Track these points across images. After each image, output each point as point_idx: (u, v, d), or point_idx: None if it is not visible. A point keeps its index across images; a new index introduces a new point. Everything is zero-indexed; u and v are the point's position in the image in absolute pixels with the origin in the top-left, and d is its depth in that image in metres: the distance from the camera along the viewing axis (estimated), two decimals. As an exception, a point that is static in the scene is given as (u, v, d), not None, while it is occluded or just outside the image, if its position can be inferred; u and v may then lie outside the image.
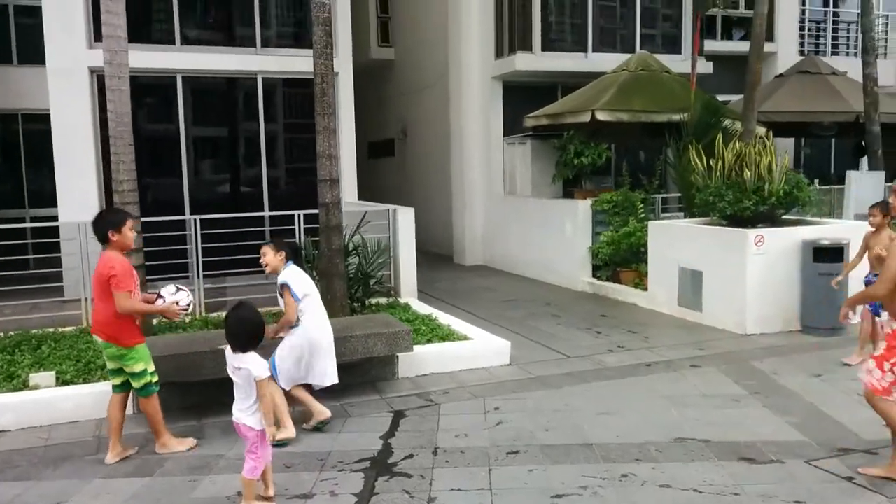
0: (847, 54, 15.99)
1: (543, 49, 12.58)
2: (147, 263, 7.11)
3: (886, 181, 10.31)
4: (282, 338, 5.31)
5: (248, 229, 9.18)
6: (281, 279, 5.21)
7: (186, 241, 8.89)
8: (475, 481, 4.42)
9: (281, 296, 5.23)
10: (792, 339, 7.56)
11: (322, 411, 5.36)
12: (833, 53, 15.69)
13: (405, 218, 9.35)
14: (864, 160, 14.31)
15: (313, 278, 8.03)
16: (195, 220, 8.56)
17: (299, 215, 8.75)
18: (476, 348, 6.92)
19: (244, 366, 4.00)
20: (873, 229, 6.72)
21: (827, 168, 15.70)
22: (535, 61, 12.46)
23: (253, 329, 4.07)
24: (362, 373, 6.36)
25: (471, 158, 13.32)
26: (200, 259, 8.51)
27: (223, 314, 8.18)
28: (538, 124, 11.45)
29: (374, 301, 8.58)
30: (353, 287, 8.02)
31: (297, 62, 10.56)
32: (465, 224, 13.50)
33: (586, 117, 10.22)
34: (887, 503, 3.96)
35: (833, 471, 4.41)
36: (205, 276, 8.64)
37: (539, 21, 12.50)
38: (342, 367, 5.61)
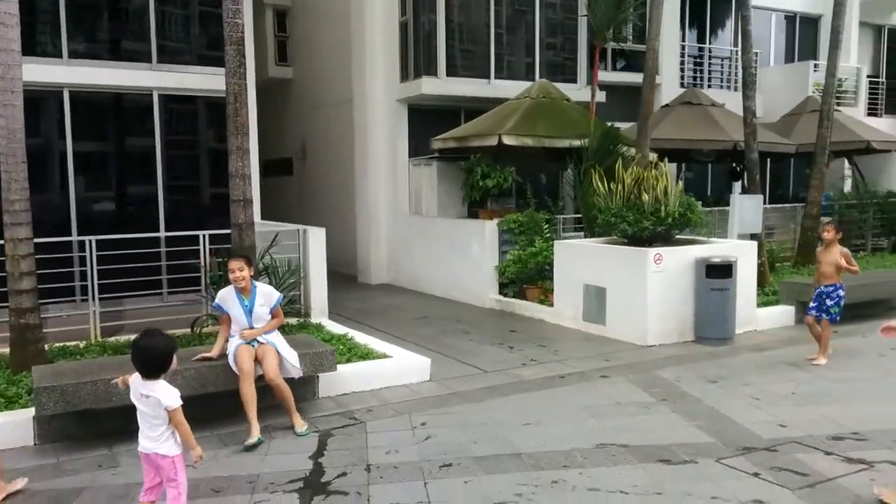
0: (720, 87, 17.34)
1: (448, 74, 12.90)
2: (39, 287, 6.73)
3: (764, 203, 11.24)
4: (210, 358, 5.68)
5: (143, 251, 8.85)
6: (274, 292, 5.98)
7: (75, 262, 8.49)
8: (413, 495, 4.47)
9: (268, 307, 5.87)
10: (688, 349, 8.09)
11: (255, 432, 5.37)
12: (709, 86, 16.96)
13: (316, 238, 9.29)
14: (737, 184, 15.57)
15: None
16: (90, 240, 8.15)
17: (204, 236, 8.51)
18: (396, 366, 6.97)
19: (153, 394, 3.79)
20: (823, 245, 7.63)
21: (705, 191, 16.91)
22: (441, 86, 12.75)
23: (163, 356, 3.86)
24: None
25: (376, 179, 13.41)
26: (96, 281, 8.11)
27: (120, 338, 7.86)
28: (445, 147, 11.71)
29: (285, 322, 8.44)
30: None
31: (196, 79, 10.30)
32: (371, 243, 13.54)
33: (493, 141, 10.57)
34: (792, 496, 4.34)
35: (740, 468, 4.78)
36: (100, 299, 8.23)
37: (444, 47, 12.82)
38: (261, 390, 5.61)
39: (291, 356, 5.86)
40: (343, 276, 13.72)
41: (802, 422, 5.61)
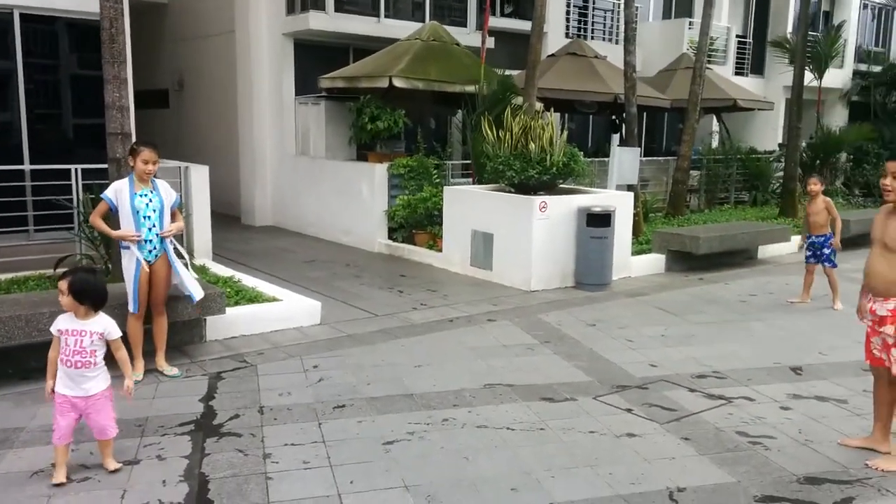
0: (603, 39, 17.85)
1: (336, 10, 12.54)
2: None
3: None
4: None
5: (6, 184, 8.18)
6: (171, 189, 5.56)
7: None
8: (307, 435, 4.53)
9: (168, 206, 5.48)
10: (569, 294, 8.52)
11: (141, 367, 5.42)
12: (592, 37, 17.41)
13: (199, 176, 8.92)
14: (616, 136, 16.24)
15: (97, 240, 7.48)
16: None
17: (76, 170, 7.98)
18: (286, 309, 6.92)
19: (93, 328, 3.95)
20: (809, 198, 8.09)
21: (586, 142, 17.53)
22: (329, 21, 12.37)
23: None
24: (167, 336, 6.08)
25: (261, 116, 12.95)
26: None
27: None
28: (333, 86, 11.44)
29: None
30: (144, 249, 7.56)
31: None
32: (255, 183, 13.15)
33: (384, 83, 10.43)
34: (661, 428, 4.75)
35: (615, 404, 5.16)
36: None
37: (333, -21, 12.41)
38: (144, 332, 5.51)
39: (189, 278, 5.57)
40: (225, 217, 13.27)
41: (670, 362, 6.10)
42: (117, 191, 5.33)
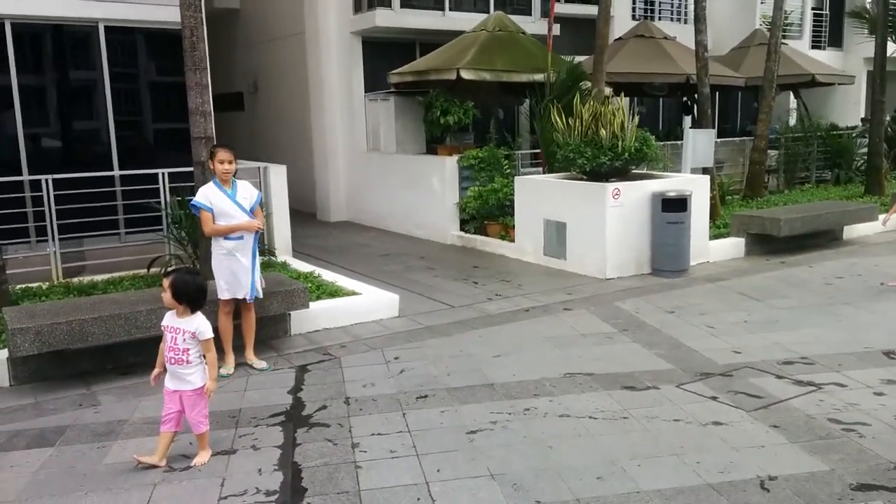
0: (671, 19, 17.42)
1: (402, 5, 12.67)
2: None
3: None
4: None
5: (98, 189, 8.62)
6: (254, 188, 5.79)
7: (27, 202, 8.29)
8: (393, 425, 4.65)
9: (249, 203, 5.69)
10: (645, 281, 8.41)
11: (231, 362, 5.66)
12: (660, 19, 17.01)
13: (278, 176, 9.22)
14: (687, 118, 15.85)
15: (185, 241, 7.82)
16: (47, 179, 7.94)
17: (163, 174, 8.37)
18: (365, 302, 7.09)
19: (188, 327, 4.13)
20: None
21: (657, 125, 17.17)
22: (395, 18, 12.50)
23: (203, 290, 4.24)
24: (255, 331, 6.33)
25: (332, 114, 13.21)
26: (55, 221, 7.94)
27: (84, 279, 7.78)
28: (402, 81, 11.57)
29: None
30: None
31: (146, 10, 9.86)
32: (329, 180, 13.44)
33: (451, 75, 10.50)
34: (748, 416, 4.67)
35: (699, 392, 5.09)
36: (60, 240, 8.08)
37: (399, -23, 12.53)
38: (234, 328, 5.76)
39: (259, 277, 5.79)
40: (302, 214, 13.61)
41: (755, 348, 5.97)
42: (208, 195, 5.56)
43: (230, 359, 5.69)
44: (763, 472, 3.93)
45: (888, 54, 13.36)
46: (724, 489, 3.76)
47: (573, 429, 4.54)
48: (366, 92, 13.10)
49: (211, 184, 5.65)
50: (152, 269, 7.87)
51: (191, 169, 7.29)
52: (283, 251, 9.13)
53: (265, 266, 8.25)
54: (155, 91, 10.59)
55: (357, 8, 12.97)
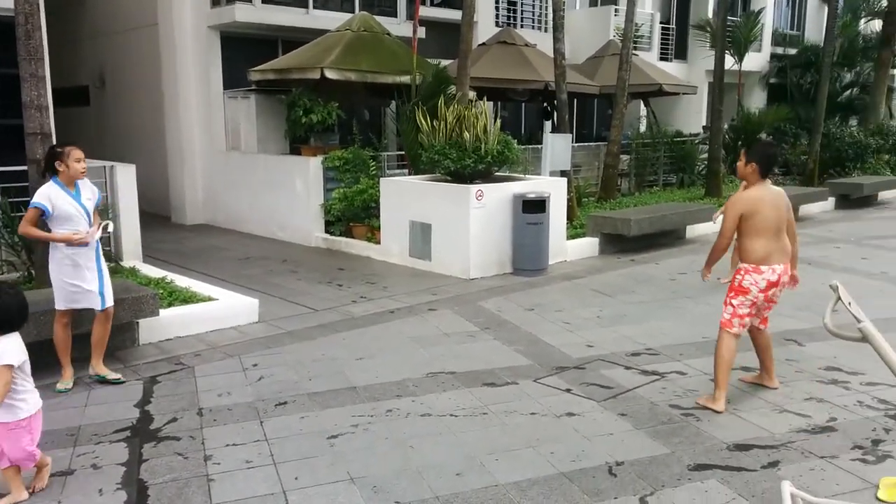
0: (532, 27, 18.03)
1: (264, 1, 12.29)
2: None
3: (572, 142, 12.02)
4: None
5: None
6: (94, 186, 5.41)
7: None
8: (249, 434, 4.48)
9: (93, 203, 5.33)
10: (507, 280, 8.63)
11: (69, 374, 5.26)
12: (521, 26, 17.57)
13: (126, 176, 8.67)
14: (547, 123, 16.48)
15: (19, 246, 7.20)
16: None
17: (-8, 172, 7.66)
18: (222, 308, 6.80)
19: None
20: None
21: (519, 129, 17.71)
22: (256, 13, 12.13)
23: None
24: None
25: (188, 112, 12.62)
26: None
27: None
28: (263, 79, 11.24)
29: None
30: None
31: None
32: (185, 181, 12.83)
33: (315, 74, 10.32)
34: (598, 406, 4.88)
35: (555, 385, 5.27)
36: None
37: (258, -29, 12.17)
38: (78, 338, 5.35)
39: (109, 283, 5.36)
40: (154, 216, 12.92)
41: (606, 341, 6.27)
42: (50, 196, 5.05)
43: (68, 372, 5.26)
44: (611, 458, 4.12)
45: (726, 67, 14.50)
46: (576, 477, 3.91)
47: (434, 427, 4.57)
48: (225, 89, 12.62)
49: (52, 183, 5.14)
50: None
51: (24, 168, 6.72)
52: (132, 256, 8.60)
53: (113, 272, 7.75)
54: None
55: (215, 1, 12.47)
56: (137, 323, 6.12)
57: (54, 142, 9.92)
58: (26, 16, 6.44)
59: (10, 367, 3.53)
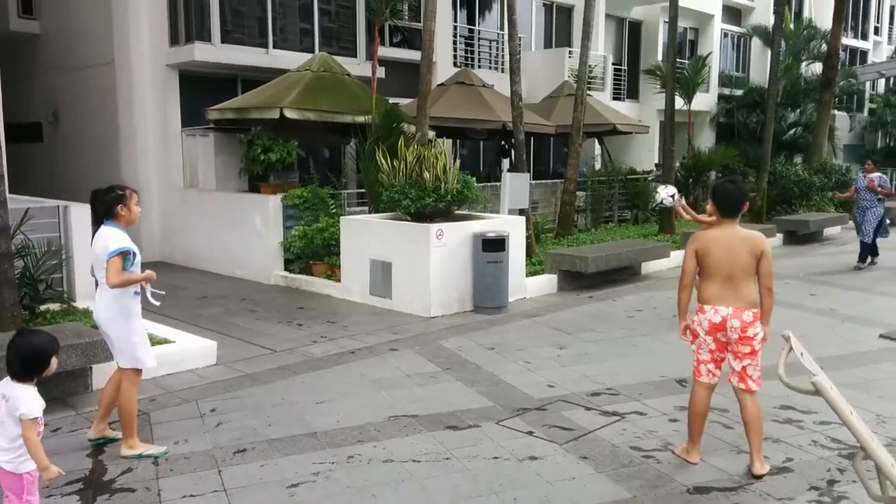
0: (490, 68, 18.39)
1: (223, 41, 12.32)
2: None
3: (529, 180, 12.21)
4: None
5: None
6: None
7: None
8: (207, 484, 4.39)
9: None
10: (468, 318, 8.66)
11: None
12: (479, 66, 17.91)
13: (80, 215, 8.47)
14: (506, 161, 16.73)
15: None
16: None
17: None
18: (178, 351, 6.68)
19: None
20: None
21: (478, 168, 17.94)
22: (215, 52, 12.14)
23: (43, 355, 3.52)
24: (49, 389, 5.70)
25: (145, 149, 12.49)
26: None
27: None
28: (222, 118, 11.21)
29: (45, 308, 7.69)
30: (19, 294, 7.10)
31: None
32: (141, 219, 12.52)
33: (275, 114, 10.33)
34: (560, 449, 4.91)
35: (517, 427, 5.29)
36: None
37: (217, 11, 12.20)
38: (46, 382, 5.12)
39: None
40: (109, 254, 12.64)
41: (567, 381, 6.33)
42: (128, 240, 4.81)
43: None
44: (573, 503, 4.14)
45: (676, 107, 14.96)
46: (539, 524, 3.92)
47: (397, 474, 4.54)
48: (183, 126, 12.53)
49: (115, 228, 4.83)
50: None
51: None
52: (87, 297, 8.37)
53: (64, 315, 7.57)
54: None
55: (174, 40, 12.44)
56: (90, 368, 5.97)
57: (6, 181, 9.74)
58: (-20, 55, 6.33)
59: (36, 419, 3.40)
